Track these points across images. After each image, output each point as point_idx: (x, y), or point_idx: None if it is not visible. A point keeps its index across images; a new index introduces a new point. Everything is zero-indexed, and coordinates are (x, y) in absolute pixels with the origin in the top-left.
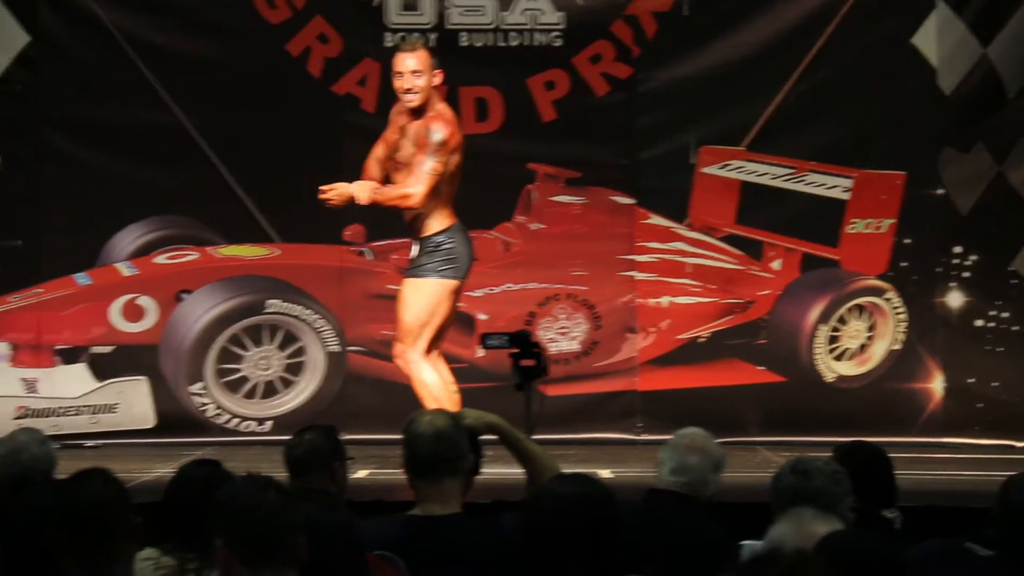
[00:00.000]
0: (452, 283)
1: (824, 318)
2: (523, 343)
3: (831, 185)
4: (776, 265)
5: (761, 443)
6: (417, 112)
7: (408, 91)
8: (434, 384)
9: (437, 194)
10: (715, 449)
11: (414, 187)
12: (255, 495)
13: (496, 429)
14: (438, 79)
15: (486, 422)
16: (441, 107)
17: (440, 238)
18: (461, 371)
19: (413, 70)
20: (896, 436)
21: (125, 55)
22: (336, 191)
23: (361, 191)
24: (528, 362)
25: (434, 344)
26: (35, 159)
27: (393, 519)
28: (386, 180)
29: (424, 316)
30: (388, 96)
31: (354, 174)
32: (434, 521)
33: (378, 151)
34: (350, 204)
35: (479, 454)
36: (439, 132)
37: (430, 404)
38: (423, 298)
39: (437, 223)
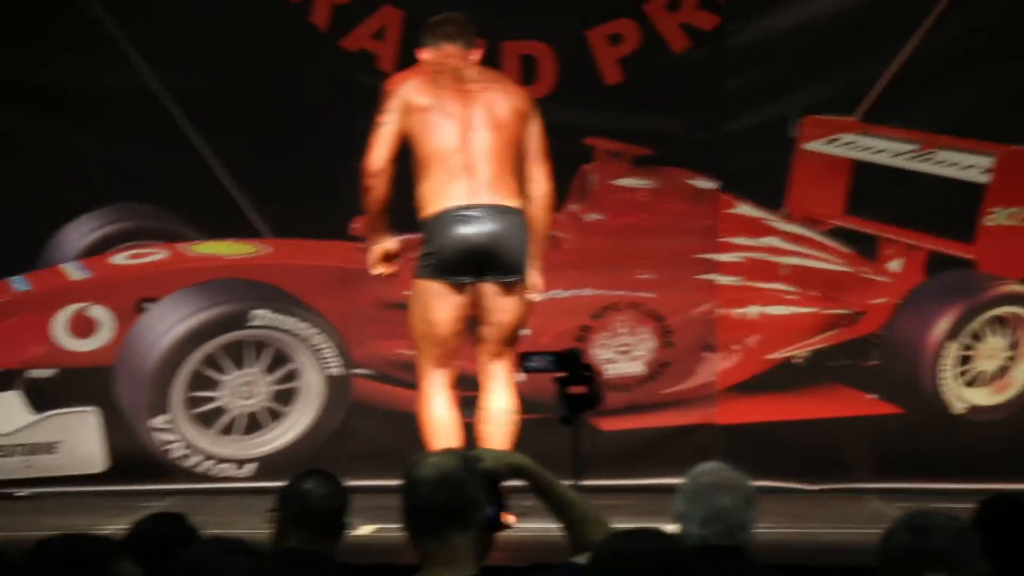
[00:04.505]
0: (428, 283)
1: (953, 333)
2: (572, 365)
3: (966, 165)
4: (895, 266)
5: (872, 490)
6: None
7: None
8: (440, 421)
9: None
10: (744, 481)
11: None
12: (220, 562)
13: (522, 472)
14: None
15: (508, 464)
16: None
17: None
18: None
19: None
20: None
21: None
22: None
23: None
24: (578, 389)
25: (446, 362)
26: None
27: None
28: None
29: (416, 327)
30: (411, 53)
31: (361, 152)
32: None
33: (391, 150)
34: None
35: (501, 505)
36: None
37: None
38: (411, 305)
39: (422, 207)
